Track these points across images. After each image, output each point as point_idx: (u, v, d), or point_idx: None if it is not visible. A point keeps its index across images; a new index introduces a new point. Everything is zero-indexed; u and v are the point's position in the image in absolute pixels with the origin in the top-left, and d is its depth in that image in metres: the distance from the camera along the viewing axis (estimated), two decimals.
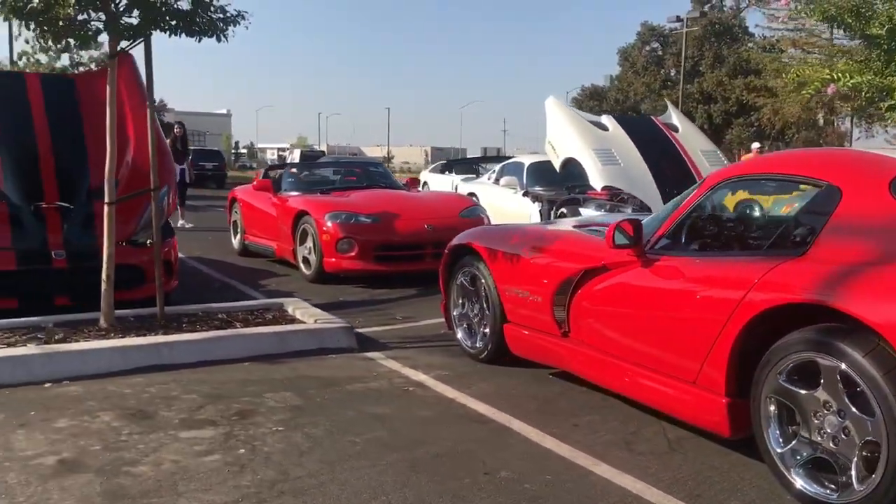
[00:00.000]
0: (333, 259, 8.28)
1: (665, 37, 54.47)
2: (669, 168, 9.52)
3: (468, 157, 30.61)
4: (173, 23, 5.36)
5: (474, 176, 14.46)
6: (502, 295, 5.02)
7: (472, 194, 11.62)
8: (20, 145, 6.85)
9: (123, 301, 6.36)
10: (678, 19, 47.18)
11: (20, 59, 32.31)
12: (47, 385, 4.79)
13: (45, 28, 5.26)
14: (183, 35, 5.44)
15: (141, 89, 7.56)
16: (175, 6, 5.40)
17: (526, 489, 3.37)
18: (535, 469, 3.58)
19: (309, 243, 8.68)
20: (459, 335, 5.55)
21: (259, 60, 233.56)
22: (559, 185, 10.77)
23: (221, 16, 5.57)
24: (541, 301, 4.65)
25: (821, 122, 47.80)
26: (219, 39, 5.53)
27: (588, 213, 9.39)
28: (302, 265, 8.84)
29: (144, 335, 5.44)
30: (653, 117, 11.17)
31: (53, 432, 4.00)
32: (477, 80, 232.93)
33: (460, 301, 5.57)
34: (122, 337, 5.38)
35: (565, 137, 9.75)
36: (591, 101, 54.75)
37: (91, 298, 6.54)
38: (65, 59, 43.49)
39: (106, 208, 5.66)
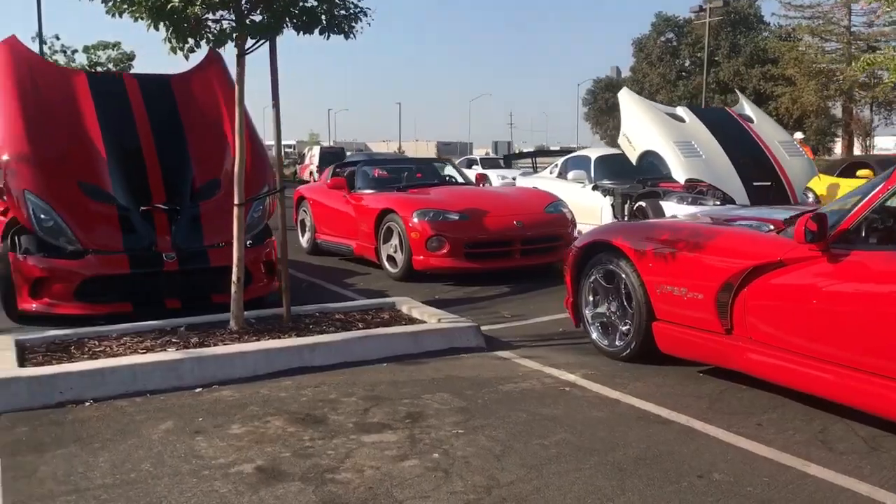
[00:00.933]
0: (422, 257, 8.21)
1: (680, 27, 54.25)
2: (749, 159, 9.43)
3: (521, 151, 30.16)
4: (304, 19, 5.27)
5: (531, 171, 14.37)
6: (651, 293, 4.94)
7: None
8: (125, 147, 6.80)
9: (227, 303, 6.34)
10: (700, 9, 46.86)
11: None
12: (198, 390, 4.73)
13: (176, 27, 5.18)
14: (311, 32, 5.34)
15: (233, 90, 7.51)
16: (303, 3, 5.31)
17: (749, 492, 3.30)
18: (747, 471, 3.51)
19: (394, 241, 8.61)
20: (594, 335, 5.47)
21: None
22: (628, 177, 10.69)
23: (345, 13, 5.48)
24: (702, 298, 4.56)
25: (839, 111, 47.82)
26: (346, 36, 5.45)
27: (670, 206, 9.31)
28: (387, 263, 8.77)
29: (279, 337, 5.38)
30: (727, 108, 11.05)
31: (233, 439, 3.94)
32: (481, 73, 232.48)
33: (592, 299, 5.49)
34: (257, 339, 5.32)
35: (642, 130, 9.66)
36: (606, 93, 54.67)
37: (199, 301, 6.52)
38: (81, 59, 43.27)
39: (235, 210, 5.61)
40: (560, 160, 12.28)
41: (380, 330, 5.58)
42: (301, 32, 5.31)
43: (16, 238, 6.41)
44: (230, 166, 6.98)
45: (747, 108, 10.49)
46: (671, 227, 5.25)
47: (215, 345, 5.19)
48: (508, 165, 16.03)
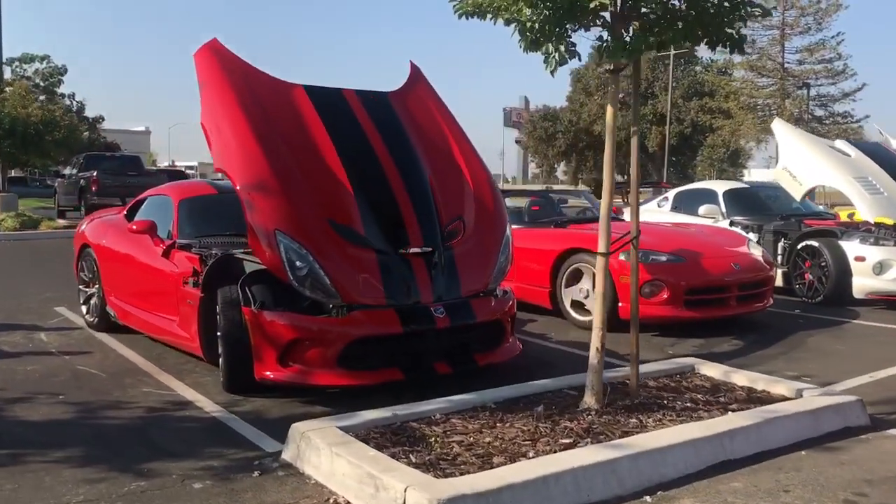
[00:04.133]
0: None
1: None
2: None
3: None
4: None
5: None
6: None
7: None
8: (369, 177, 5.61)
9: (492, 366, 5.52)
10: None
11: None
12: (647, 500, 3.66)
13: (559, 38, 4.12)
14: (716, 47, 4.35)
15: (447, 111, 6.43)
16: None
17: None
18: None
19: (584, 285, 7.62)
20: None
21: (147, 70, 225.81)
22: (760, 212, 10.03)
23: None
24: None
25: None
26: (741, 51, 4.48)
27: (852, 246, 8.67)
28: (571, 310, 7.77)
29: (662, 419, 4.34)
30: (877, 142, 10.57)
31: None
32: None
33: None
34: (637, 421, 4.27)
35: (811, 165, 9.02)
36: (545, 122, 54.66)
37: (465, 364, 5.43)
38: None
39: (599, 260, 4.55)
40: (669, 194, 11.53)
41: (777, 408, 4.58)
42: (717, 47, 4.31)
43: (249, 288, 5.13)
44: (469, 200, 5.92)
45: (892, 140, 10.02)
46: None
47: (623, 435, 4.10)
48: None
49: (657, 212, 11.32)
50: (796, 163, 9.13)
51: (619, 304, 7.32)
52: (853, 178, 8.67)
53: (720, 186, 10.89)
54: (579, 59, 4.29)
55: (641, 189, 13.54)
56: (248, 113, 5.41)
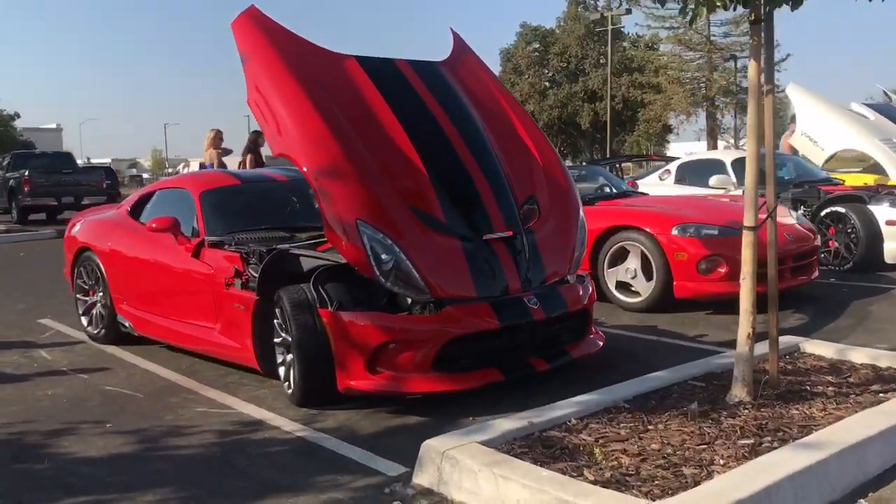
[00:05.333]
0: (691, 283, 6.82)
1: (545, 37, 54.90)
2: None
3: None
4: None
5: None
6: None
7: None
8: (440, 157, 5.00)
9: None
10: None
11: None
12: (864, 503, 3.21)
13: None
14: None
15: (498, 82, 5.89)
16: None
17: None
18: None
19: (630, 265, 7.18)
20: None
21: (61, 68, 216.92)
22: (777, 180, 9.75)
23: None
24: None
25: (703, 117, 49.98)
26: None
27: (881, 210, 8.45)
28: (616, 292, 7.32)
29: (830, 410, 3.90)
30: (888, 103, 10.37)
31: None
32: None
33: None
34: (784, 413, 3.83)
35: (831, 129, 8.76)
36: None
37: (559, 357, 4.94)
38: None
39: (747, 235, 4.08)
40: (670, 166, 11.17)
41: None
42: None
43: (323, 287, 4.49)
44: (540, 179, 5.39)
45: None
46: None
47: (788, 428, 3.64)
48: None
49: (660, 185, 10.96)
50: (816, 128, 8.87)
51: (674, 283, 6.90)
52: (878, 140, 8.42)
53: (727, 156, 10.56)
54: (724, 8, 3.80)
55: (631, 163, 13.35)
56: (307, 88, 4.74)
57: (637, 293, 7.18)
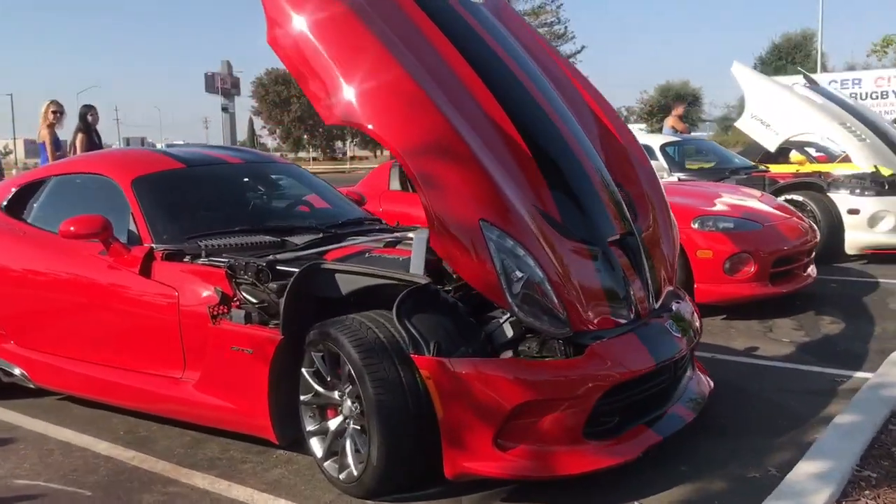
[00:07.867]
0: (716, 285, 5.84)
1: None
2: (884, 136, 8.43)
3: None
4: None
5: None
6: None
7: None
8: (535, 124, 3.59)
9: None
10: None
11: None
12: None
13: None
14: None
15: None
16: None
17: None
18: None
19: None
20: None
21: None
22: (699, 167, 9.15)
23: None
24: None
25: None
26: None
27: (841, 198, 7.96)
28: None
29: None
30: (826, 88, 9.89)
31: None
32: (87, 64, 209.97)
33: None
34: None
35: (786, 112, 8.17)
36: (277, 86, 51.54)
37: (697, 402, 3.77)
38: None
39: None
40: None
41: None
42: None
43: (409, 320, 2.97)
44: (626, 165, 4.16)
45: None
46: None
47: None
48: None
49: None
50: (768, 110, 8.24)
51: (695, 286, 5.88)
52: (838, 123, 7.92)
53: (655, 140, 9.73)
54: None
55: None
56: (387, 40, 3.19)
57: None
